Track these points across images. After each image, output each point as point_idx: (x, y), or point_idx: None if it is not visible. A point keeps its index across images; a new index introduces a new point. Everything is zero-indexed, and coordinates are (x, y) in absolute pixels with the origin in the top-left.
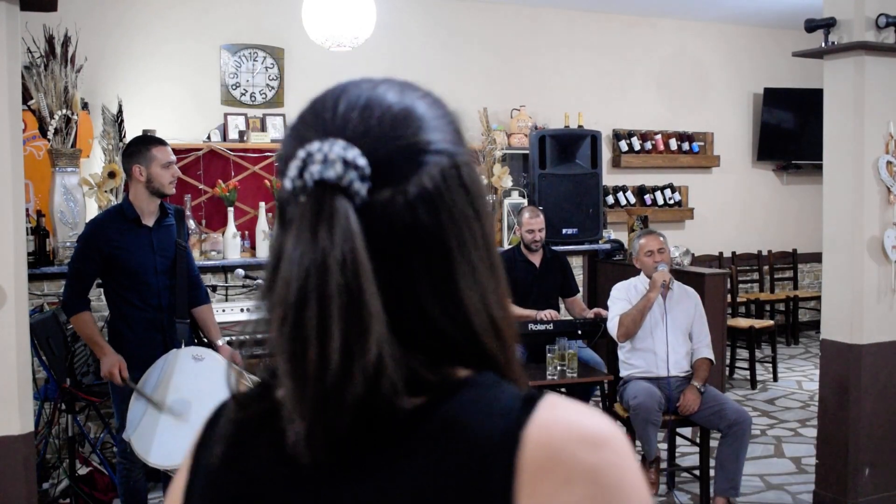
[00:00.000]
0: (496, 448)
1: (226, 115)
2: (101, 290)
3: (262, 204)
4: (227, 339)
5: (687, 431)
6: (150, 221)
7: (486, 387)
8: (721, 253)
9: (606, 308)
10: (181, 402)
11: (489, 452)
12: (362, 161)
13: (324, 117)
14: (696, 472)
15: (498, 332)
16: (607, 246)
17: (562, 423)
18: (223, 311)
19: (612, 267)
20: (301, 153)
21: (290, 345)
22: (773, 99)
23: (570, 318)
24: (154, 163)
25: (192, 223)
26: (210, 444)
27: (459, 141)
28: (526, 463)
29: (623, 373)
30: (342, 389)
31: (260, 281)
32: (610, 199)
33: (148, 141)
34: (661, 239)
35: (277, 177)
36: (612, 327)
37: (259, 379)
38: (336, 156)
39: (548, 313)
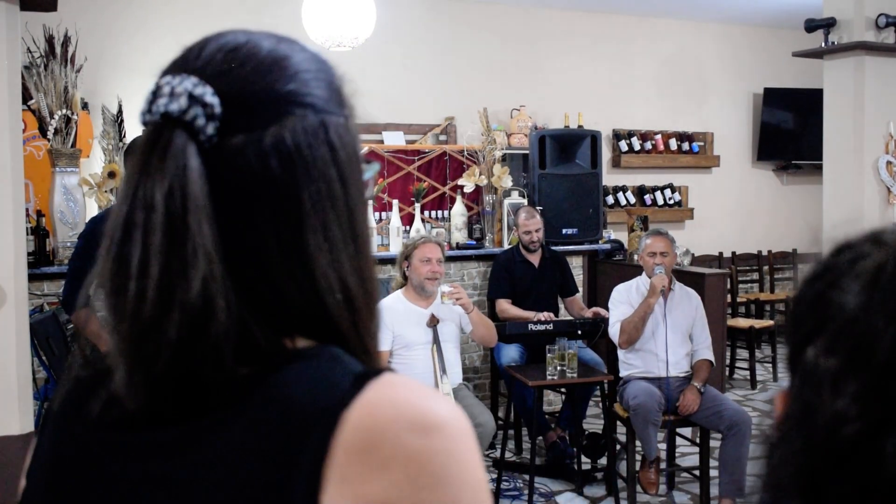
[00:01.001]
0: (314, 425)
1: None
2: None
3: None
4: None
5: (687, 431)
6: None
7: (322, 360)
8: (721, 253)
9: (606, 308)
10: None
11: (306, 429)
12: (212, 99)
13: (187, 56)
14: (696, 473)
15: (350, 301)
16: (607, 246)
17: (390, 404)
18: None
19: (611, 267)
20: (153, 87)
21: (113, 279)
22: (773, 99)
23: (570, 318)
24: None
25: None
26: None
27: (336, 101)
28: (342, 443)
29: (623, 373)
30: (158, 326)
31: None
32: (610, 199)
33: None
34: (668, 242)
35: None
36: (614, 333)
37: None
38: (183, 90)
39: (544, 315)
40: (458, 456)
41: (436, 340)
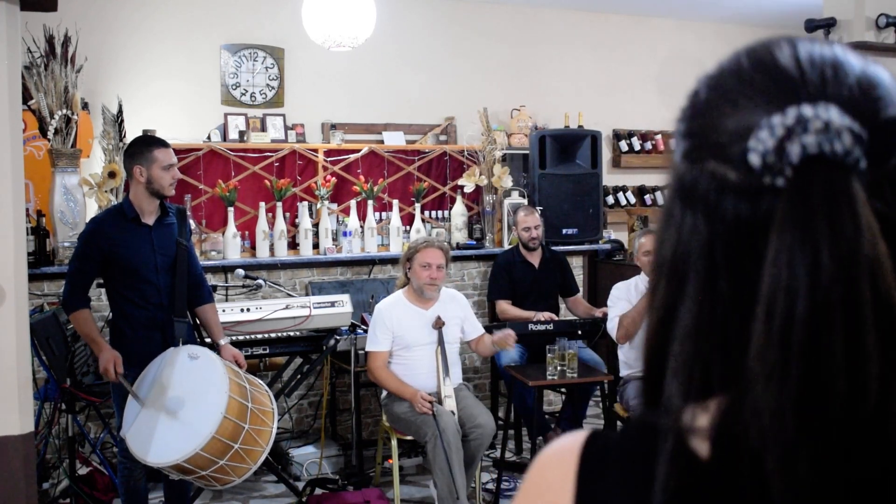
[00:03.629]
0: None
1: (226, 115)
2: (102, 289)
3: (262, 204)
4: (229, 338)
5: None
6: (150, 220)
7: None
8: None
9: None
10: (175, 400)
11: None
12: (861, 132)
13: (785, 77)
14: None
15: None
16: (607, 246)
17: None
18: (223, 311)
19: (612, 267)
20: (781, 120)
21: (804, 372)
22: None
23: (570, 318)
24: (155, 164)
25: (192, 223)
26: (608, 485)
27: None
28: None
29: (623, 373)
30: (876, 428)
31: (260, 281)
32: (610, 199)
33: (150, 142)
34: None
35: (689, 156)
36: (612, 328)
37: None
38: (840, 124)
39: (545, 315)
40: None
41: (440, 342)
